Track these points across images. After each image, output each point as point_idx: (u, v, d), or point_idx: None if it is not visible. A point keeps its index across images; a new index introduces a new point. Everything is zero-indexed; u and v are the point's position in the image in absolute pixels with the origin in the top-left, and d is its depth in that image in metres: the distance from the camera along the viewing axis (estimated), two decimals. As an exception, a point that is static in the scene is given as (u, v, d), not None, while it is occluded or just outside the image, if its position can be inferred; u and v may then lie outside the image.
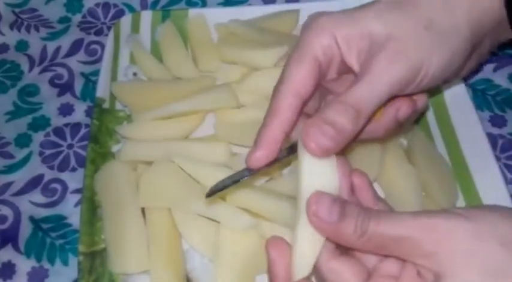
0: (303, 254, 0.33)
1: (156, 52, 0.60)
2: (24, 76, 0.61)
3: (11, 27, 0.65)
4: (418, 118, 0.53)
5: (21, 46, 0.64)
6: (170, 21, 0.61)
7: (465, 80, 0.53)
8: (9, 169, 0.53)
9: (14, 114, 0.58)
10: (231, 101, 0.53)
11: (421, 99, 0.40)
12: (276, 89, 0.37)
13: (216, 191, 0.39)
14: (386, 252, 0.32)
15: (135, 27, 0.61)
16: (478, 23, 0.37)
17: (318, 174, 0.34)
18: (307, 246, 0.33)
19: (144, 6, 0.67)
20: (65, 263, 0.48)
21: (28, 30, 0.65)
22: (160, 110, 0.52)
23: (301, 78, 0.36)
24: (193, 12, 0.62)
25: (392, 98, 0.37)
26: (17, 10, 0.67)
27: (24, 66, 0.62)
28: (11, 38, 0.64)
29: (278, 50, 0.55)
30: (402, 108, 0.38)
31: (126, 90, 0.55)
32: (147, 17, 0.62)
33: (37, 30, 0.65)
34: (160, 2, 0.68)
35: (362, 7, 0.38)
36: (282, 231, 0.42)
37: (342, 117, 0.33)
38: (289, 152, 0.37)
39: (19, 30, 0.65)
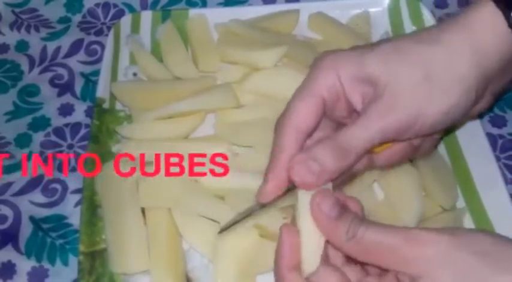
0: (310, 250, 0.35)
1: (156, 52, 0.60)
2: (24, 76, 0.61)
3: (11, 27, 0.65)
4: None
5: (21, 46, 0.64)
6: (170, 22, 0.61)
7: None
8: (9, 169, 0.53)
9: (14, 114, 0.58)
10: (231, 101, 0.53)
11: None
12: (280, 123, 0.38)
13: (228, 228, 0.40)
14: (369, 258, 0.33)
15: (135, 28, 0.61)
16: (483, 69, 0.36)
17: None
18: (312, 242, 0.35)
19: (144, 6, 0.67)
20: (65, 263, 0.48)
21: (28, 30, 0.65)
22: (160, 110, 0.52)
23: (303, 114, 0.37)
24: (193, 12, 0.62)
25: None
26: (17, 10, 0.67)
27: (24, 66, 0.62)
28: (11, 38, 0.64)
29: (278, 50, 0.55)
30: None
31: (126, 90, 0.56)
32: (147, 17, 0.62)
33: (37, 30, 0.65)
34: (160, 2, 0.68)
35: (370, 47, 0.38)
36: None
37: (327, 155, 0.35)
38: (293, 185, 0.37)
39: (19, 31, 0.65)
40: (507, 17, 0.36)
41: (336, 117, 0.39)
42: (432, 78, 0.35)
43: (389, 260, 0.32)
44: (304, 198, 0.35)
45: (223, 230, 0.41)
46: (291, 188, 0.37)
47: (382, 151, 0.39)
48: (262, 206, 0.38)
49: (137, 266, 0.44)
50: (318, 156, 0.35)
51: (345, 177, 0.38)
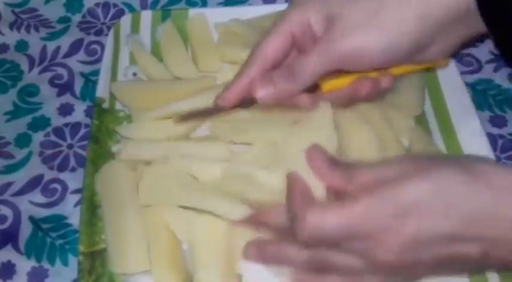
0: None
1: (156, 52, 0.59)
2: (24, 76, 0.61)
3: (11, 27, 0.65)
4: (419, 118, 0.53)
5: (21, 46, 0.64)
6: (170, 21, 0.61)
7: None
8: (9, 169, 0.53)
9: (14, 114, 0.58)
10: None
11: (385, 80, 0.45)
12: (252, 51, 0.45)
13: (183, 119, 0.48)
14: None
15: (135, 27, 0.61)
16: (427, 19, 0.41)
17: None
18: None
19: (144, 6, 0.67)
20: (65, 263, 0.47)
21: (28, 30, 0.65)
22: (160, 110, 0.52)
23: (273, 45, 0.44)
24: (193, 11, 0.62)
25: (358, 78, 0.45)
26: (16, 10, 0.67)
27: (24, 66, 0.62)
28: (11, 38, 0.64)
29: None
30: (364, 86, 0.45)
31: (126, 90, 0.55)
32: (147, 16, 0.62)
33: (37, 30, 0.65)
34: (160, 1, 0.68)
35: None
36: None
37: (280, 78, 0.43)
38: (249, 102, 0.45)
39: (19, 30, 0.65)
40: None
41: (304, 49, 0.45)
42: (378, 15, 0.41)
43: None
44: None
45: (181, 119, 0.48)
46: (245, 104, 0.45)
47: (330, 91, 0.46)
48: (218, 111, 0.47)
49: (137, 266, 0.44)
50: (274, 78, 0.43)
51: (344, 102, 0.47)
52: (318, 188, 0.39)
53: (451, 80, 0.54)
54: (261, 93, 0.43)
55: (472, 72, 0.59)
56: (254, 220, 0.43)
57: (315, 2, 0.44)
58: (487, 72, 0.59)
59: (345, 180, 0.37)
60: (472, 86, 0.58)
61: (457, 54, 0.57)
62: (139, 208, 0.47)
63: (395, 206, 0.34)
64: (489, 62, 0.60)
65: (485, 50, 0.61)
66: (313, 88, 0.45)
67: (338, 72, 0.44)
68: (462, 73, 0.56)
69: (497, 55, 0.60)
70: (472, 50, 0.61)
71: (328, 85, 0.45)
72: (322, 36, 0.43)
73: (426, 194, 0.34)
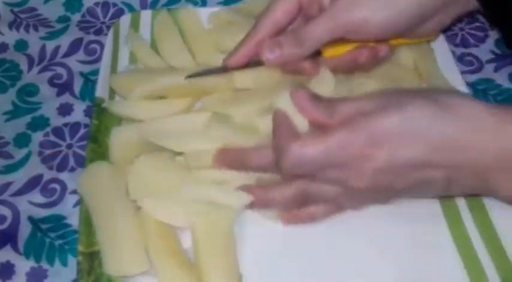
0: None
1: (156, 51, 0.59)
2: (23, 76, 0.61)
3: (10, 26, 0.65)
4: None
5: (20, 46, 0.64)
6: (165, 13, 0.61)
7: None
8: (8, 169, 0.53)
9: (13, 114, 0.58)
10: (225, 81, 0.53)
11: (383, 49, 0.48)
12: (260, 15, 0.49)
13: (192, 76, 0.50)
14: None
15: (135, 27, 0.61)
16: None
17: None
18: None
19: (143, 6, 0.67)
20: (64, 263, 0.47)
21: (27, 29, 0.65)
22: (149, 84, 0.52)
23: (280, 11, 0.48)
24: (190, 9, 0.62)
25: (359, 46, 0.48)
26: (15, 9, 0.67)
27: (23, 65, 0.62)
28: (10, 37, 0.64)
29: None
30: (363, 54, 0.48)
31: (125, 81, 0.55)
32: (146, 16, 0.62)
33: (36, 29, 0.65)
34: (160, 1, 0.67)
35: None
36: None
37: (287, 42, 0.46)
38: (256, 64, 0.49)
39: (18, 30, 0.65)
40: None
41: (310, 16, 0.48)
42: None
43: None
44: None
45: (190, 76, 0.50)
46: (253, 64, 0.49)
47: (331, 58, 0.49)
48: (226, 70, 0.50)
49: (133, 268, 0.43)
50: (281, 41, 0.46)
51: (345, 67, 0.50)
52: (302, 124, 0.41)
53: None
54: (269, 55, 0.46)
55: (472, 72, 0.59)
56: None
57: None
58: (488, 72, 0.59)
59: (327, 115, 0.40)
60: (472, 86, 0.57)
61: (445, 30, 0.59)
62: (130, 208, 0.46)
63: (369, 135, 0.38)
64: (490, 61, 0.60)
65: (486, 50, 0.61)
66: (315, 54, 0.48)
67: (339, 40, 0.47)
68: (462, 72, 0.56)
69: (498, 55, 0.60)
70: (473, 50, 0.61)
71: (330, 52, 0.49)
72: (329, 5, 0.46)
73: (397, 125, 0.38)
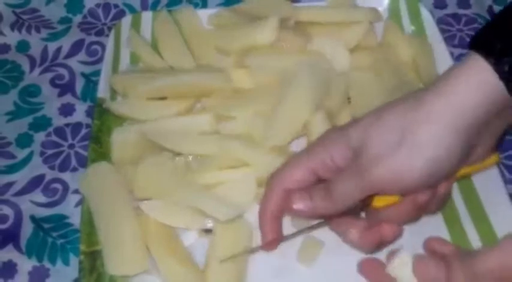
0: None
1: (157, 52, 0.60)
2: (25, 76, 0.61)
3: (12, 27, 0.65)
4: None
5: (22, 46, 0.64)
6: (165, 13, 0.61)
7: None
8: (11, 169, 0.53)
9: (15, 114, 0.58)
10: (225, 81, 0.53)
11: (443, 186, 0.41)
12: (273, 178, 0.44)
13: (230, 258, 0.44)
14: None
15: (136, 28, 0.61)
16: (466, 128, 0.37)
17: None
18: None
19: (144, 7, 0.67)
20: (66, 262, 0.48)
21: (29, 30, 0.65)
22: (149, 84, 0.53)
23: (293, 180, 0.43)
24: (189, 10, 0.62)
25: None
26: (17, 10, 0.67)
27: (25, 66, 0.62)
28: (12, 38, 0.65)
29: (272, 20, 0.54)
30: (421, 197, 0.40)
31: (126, 82, 0.55)
32: (147, 17, 0.62)
33: (38, 30, 0.65)
34: (161, 2, 0.68)
35: (356, 121, 0.42)
36: None
37: (319, 198, 0.41)
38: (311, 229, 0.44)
39: (20, 31, 0.65)
40: (499, 70, 0.35)
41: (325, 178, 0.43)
42: (407, 140, 0.38)
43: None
44: None
45: (227, 258, 0.44)
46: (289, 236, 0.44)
47: (386, 208, 0.41)
48: (271, 248, 0.45)
49: (134, 268, 0.44)
50: (313, 196, 0.42)
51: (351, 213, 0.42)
52: None
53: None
54: (299, 205, 0.42)
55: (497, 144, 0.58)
56: None
57: (334, 139, 0.42)
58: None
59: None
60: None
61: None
62: (131, 208, 0.46)
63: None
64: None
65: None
66: (364, 205, 0.42)
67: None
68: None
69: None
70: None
71: (381, 200, 0.41)
72: (352, 166, 0.40)
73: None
